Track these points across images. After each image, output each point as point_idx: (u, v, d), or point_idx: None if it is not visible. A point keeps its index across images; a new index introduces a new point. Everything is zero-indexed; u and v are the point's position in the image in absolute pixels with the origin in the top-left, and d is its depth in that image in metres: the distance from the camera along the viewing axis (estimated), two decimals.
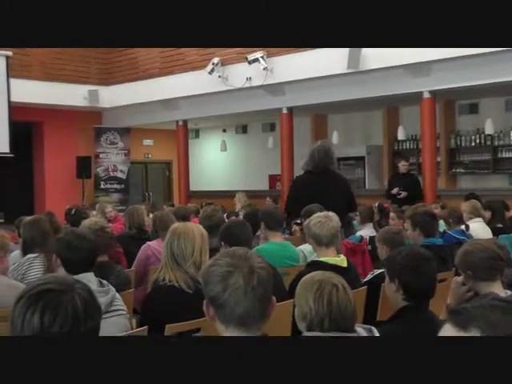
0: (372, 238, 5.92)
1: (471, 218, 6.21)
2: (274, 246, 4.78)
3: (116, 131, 14.02)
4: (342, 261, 3.88)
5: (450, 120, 12.19)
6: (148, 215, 6.78)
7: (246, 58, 10.55)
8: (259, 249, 4.69)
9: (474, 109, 12.00)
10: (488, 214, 6.65)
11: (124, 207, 11.63)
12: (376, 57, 9.21)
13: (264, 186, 14.56)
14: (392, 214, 6.66)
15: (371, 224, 6.70)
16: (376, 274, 4.02)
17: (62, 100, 12.76)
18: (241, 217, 6.55)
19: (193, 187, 13.69)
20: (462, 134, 12.11)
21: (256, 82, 10.74)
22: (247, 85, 10.87)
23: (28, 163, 13.91)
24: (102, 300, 2.74)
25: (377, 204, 7.89)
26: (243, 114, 12.39)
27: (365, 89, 10.08)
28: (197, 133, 16.58)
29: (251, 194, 11.35)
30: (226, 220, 5.62)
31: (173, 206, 9.78)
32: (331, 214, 4.05)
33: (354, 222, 7.02)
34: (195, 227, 3.53)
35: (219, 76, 11.12)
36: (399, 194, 9.30)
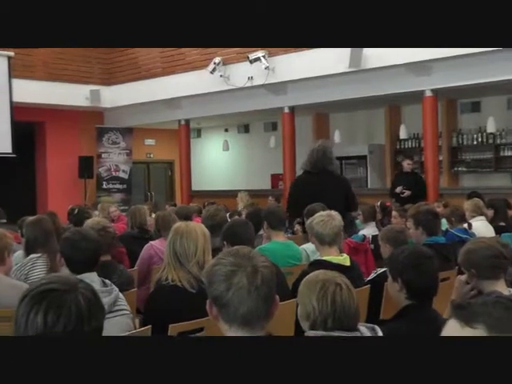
0: (375, 237, 5.92)
1: (474, 217, 6.19)
2: (276, 246, 4.77)
3: (118, 131, 14.03)
4: (344, 260, 3.87)
5: (452, 118, 12.18)
6: (150, 215, 6.78)
7: (248, 58, 10.55)
8: (262, 248, 4.69)
9: (475, 107, 11.99)
10: (490, 213, 6.64)
11: (126, 207, 11.64)
12: (378, 55, 9.20)
13: (266, 185, 14.56)
14: (394, 213, 6.65)
15: (374, 223, 6.69)
16: (379, 272, 4.02)
17: (63, 100, 12.77)
18: (243, 216, 6.55)
19: (195, 187, 13.69)
20: (463, 133, 12.10)
21: (258, 82, 10.74)
22: (249, 84, 10.87)
23: (30, 163, 13.92)
24: (106, 300, 2.74)
25: (379, 203, 7.88)
26: (245, 113, 12.39)
27: (366, 88, 10.08)
28: (199, 132, 16.59)
29: (253, 194, 11.35)
30: (229, 219, 5.62)
31: (175, 205, 9.78)
32: (334, 212, 4.04)
33: (357, 221, 7.01)
34: (197, 226, 3.52)
35: (221, 75, 11.13)
36: (403, 193, 9.23)
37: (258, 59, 10.47)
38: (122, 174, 14.08)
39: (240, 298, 1.73)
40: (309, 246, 4.90)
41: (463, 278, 2.94)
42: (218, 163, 16.39)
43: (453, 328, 1.22)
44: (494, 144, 11.72)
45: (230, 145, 15.88)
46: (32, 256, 4.20)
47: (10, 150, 11.72)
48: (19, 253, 4.56)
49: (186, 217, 5.98)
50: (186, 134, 13.42)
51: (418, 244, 4.18)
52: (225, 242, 3.94)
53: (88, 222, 4.39)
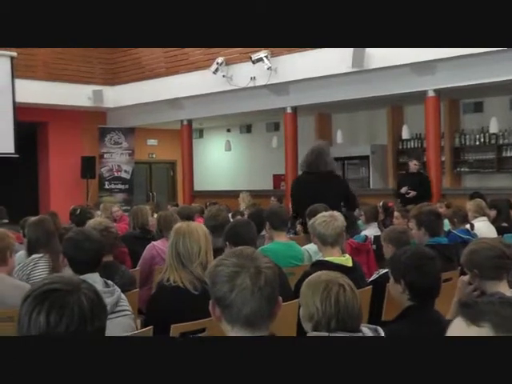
0: (377, 238, 5.91)
1: (476, 217, 6.19)
2: (278, 246, 4.77)
3: (120, 131, 14.04)
4: (347, 260, 3.87)
5: (455, 119, 12.17)
6: (152, 215, 6.78)
7: (250, 58, 10.56)
8: (264, 248, 4.68)
9: (478, 107, 11.98)
10: (493, 213, 6.64)
11: (128, 207, 11.65)
12: (380, 56, 9.20)
13: (268, 185, 14.56)
14: (396, 214, 6.64)
15: (376, 223, 6.69)
16: (381, 273, 4.01)
17: (66, 100, 12.79)
18: (246, 216, 6.55)
19: (197, 187, 13.70)
20: (466, 133, 12.09)
21: (260, 82, 10.75)
22: (251, 84, 10.87)
23: (33, 163, 13.94)
24: (108, 300, 2.74)
25: (381, 203, 7.87)
26: (247, 113, 12.40)
27: (369, 88, 10.08)
28: (201, 132, 16.60)
29: (255, 194, 11.35)
30: (231, 219, 5.62)
31: (177, 205, 9.79)
32: (336, 213, 4.04)
33: (359, 222, 7.01)
34: (198, 227, 3.51)
35: (223, 76, 11.13)
36: (408, 194, 9.16)
37: (260, 59, 10.48)
38: (124, 174, 14.09)
39: (243, 298, 1.73)
40: (311, 247, 4.90)
41: (466, 278, 2.94)
42: (220, 163, 16.39)
43: (459, 326, 1.22)
44: (497, 144, 11.71)
45: (232, 145, 15.88)
46: (34, 256, 4.20)
47: (12, 151, 11.75)
48: (21, 253, 4.56)
49: (188, 217, 5.97)
50: (188, 134, 13.42)
51: (420, 245, 4.17)
52: (227, 243, 3.93)
53: (90, 223, 4.39)
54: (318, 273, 2.26)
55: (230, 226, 4.12)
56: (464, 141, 12.09)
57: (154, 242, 5.20)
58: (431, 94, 9.60)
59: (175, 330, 2.89)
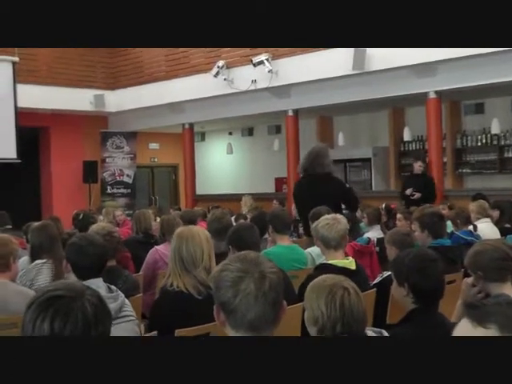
0: (380, 240, 5.91)
1: (479, 219, 6.18)
2: (281, 249, 4.76)
3: (122, 135, 14.05)
4: (350, 263, 3.86)
5: (456, 120, 12.16)
6: (155, 220, 6.78)
7: (251, 61, 10.56)
8: (267, 252, 4.68)
9: (479, 109, 11.97)
10: (496, 214, 6.63)
11: (131, 211, 11.65)
12: (381, 58, 9.20)
13: (270, 188, 14.56)
14: (399, 216, 6.62)
15: (379, 226, 6.68)
16: (385, 276, 4.01)
17: (68, 105, 12.80)
18: (249, 220, 6.55)
19: (199, 191, 13.69)
20: (468, 134, 12.08)
21: (261, 85, 10.75)
22: (252, 87, 10.88)
23: (35, 168, 13.95)
24: (112, 306, 2.73)
25: (384, 205, 7.86)
26: (249, 116, 12.40)
27: (370, 90, 10.07)
28: (203, 136, 16.60)
29: (257, 197, 11.34)
30: (235, 222, 5.62)
31: (179, 209, 9.78)
32: (339, 216, 4.04)
33: (362, 224, 7.00)
34: (200, 230, 3.49)
35: (224, 79, 11.14)
36: (413, 195, 9.08)
37: (261, 62, 10.48)
38: (126, 179, 14.10)
39: (247, 304, 1.72)
40: (314, 250, 4.90)
41: (470, 280, 2.93)
42: (222, 167, 16.39)
43: (465, 328, 1.22)
44: (499, 145, 11.70)
45: (233, 148, 15.88)
46: (37, 262, 4.20)
47: (14, 156, 11.75)
48: (24, 259, 4.56)
49: (191, 221, 5.97)
50: (190, 137, 13.42)
51: (423, 247, 4.17)
52: (230, 246, 3.93)
53: (93, 227, 4.39)
54: (323, 276, 2.26)
55: (233, 229, 4.12)
56: (466, 142, 12.08)
57: (156, 247, 5.20)
58: (432, 95, 9.59)
59: (179, 334, 2.89)
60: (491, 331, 1.17)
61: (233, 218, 6.86)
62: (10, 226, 6.61)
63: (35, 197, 13.92)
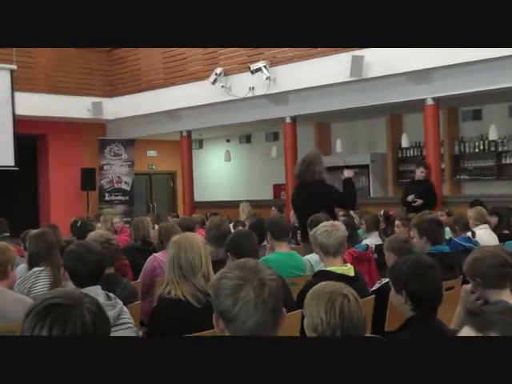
0: (378, 247, 5.91)
1: (477, 225, 6.19)
2: (280, 256, 4.76)
3: (120, 143, 14.05)
4: (349, 270, 3.86)
5: (454, 126, 12.19)
6: (153, 227, 6.76)
7: (249, 68, 10.58)
8: (265, 259, 4.68)
9: (477, 115, 11.99)
10: (494, 220, 6.64)
11: (129, 219, 11.64)
12: (378, 64, 9.22)
13: (268, 195, 14.56)
14: (397, 222, 6.62)
15: (377, 232, 6.68)
16: (383, 282, 4.00)
17: (66, 112, 12.81)
18: (247, 226, 6.55)
19: (197, 198, 13.69)
20: (465, 141, 12.10)
21: (259, 92, 10.76)
22: (250, 94, 10.89)
23: (33, 176, 13.94)
24: (110, 313, 2.73)
25: (382, 212, 7.85)
26: (247, 123, 12.41)
27: (368, 97, 10.09)
28: (200, 143, 16.61)
29: (256, 204, 11.34)
30: (233, 229, 5.61)
31: (177, 217, 9.77)
32: (338, 223, 4.04)
33: (360, 231, 7.00)
34: (196, 237, 3.47)
35: (222, 86, 11.15)
36: (415, 202, 9.02)
37: (259, 69, 10.50)
38: (124, 186, 14.10)
39: (247, 311, 1.72)
40: (312, 257, 4.89)
41: (468, 287, 2.93)
42: (220, 174, 16.40)
43: (467, 335, 1.22)
44: (496, 152, 11.71)
45: (231, 155, 15.89)
46: (35, 269, 4.19)
47: (12, 163, 11.75)
48: (22, 266, 4.56)
49: (189, 228, 5.96)
50: (187, 145, 13.42)
51: (420, 254, 4.17)
52: (229, 254, 3.92)
53: (91, 235, 4.38)
54: (323, 283, 2.25)
55: (232, 236, 4.11)
56: (463, 148, 12.10)
57: (155, 254, 5.19)
58: (430, 102, 9.61)
59: None
60: None
61: (231, 225, 6.86)
62: (8, 234, 6.59)
63: (33, 204, 13.90)
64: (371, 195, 12.77)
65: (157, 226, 6.43)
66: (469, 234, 5.89)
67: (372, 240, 6.35)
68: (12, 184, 12.96)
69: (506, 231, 6.46)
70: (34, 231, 4.75)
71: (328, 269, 3.85)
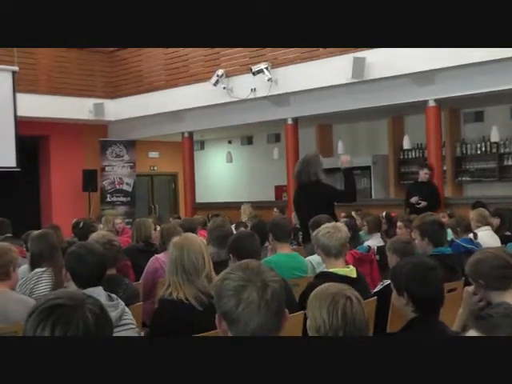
0: (380, 248, 5.91)
1: (479, 227, 6.17)
2: (281, 258, 4.76)
3: (122, 144, 14.06)
4: (351, 271, 3.86)
5: (456, 128, 12.18)
6: (155, 229, 6.76)
7: (251, 69, 10.58)
8: (267, 260, 4.67)
9: (479, 117, 11.99)
10: (496, 222, 6.63)
11: (130, 220, 11.63)
12: (380, 66, 9.23)
13: (270, 196, 14.56)
14: (399, 224, 6.61)
15: (379, 234, 6.67)
16: (386, 284, 4.00)
17: (67, 114, 12.82)
18: (249, 228, 6.55)
19: (199, 199, 13.69)
20: (467, 142, 12.09)
21: (261, 93, 10.77)
22: (252, 96, 10.89)
23: (34, 177, 13.94)
24: (112, 314, 2.73)
25: (384, 213, 7.85)
26: (248, 125, 12.41)
27: (369, 98, 10.08)
28: (202, 144, 16.62)
29: (257, 205, 11.34)
30: (235, 231, 5.61)
31: (179, 218, 9.77)
32: (340, 224, 4.04)
33: (362, 232, 7.00)
34: (197, 238, 3.45)
35: (224, 87, 11.15)
36: (418, 204, 8.88)
37: (260, 71, 10.50)
38: (125, 187, 14.09)
39: (250, 313, 1.72)
40: (314, 258, 4.89)
41: (471, 289, 2.92)
42: (222, 175, 16.40)
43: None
44: (498, 153, 11.71)
45: (233, 157, 15.89)
46: (37, 270, 4.19)
47: (14, 164, 11.76)
48: (24, 267, 4.55)
49: (191, 229, 5.95)
50: (189, 146, 13.43)
51: (422, 255, 4.16)
52: (231, 255, 3.91)
53: (93, 236, 4.38)
54: (326, 285, 2.25)
55: (234, 238, 4.10)
56: (465, 150, 12.10)
57: (157, 255, 5.19)
58: (432, 103, 9.60)
59: None
60: None
61: (233, 227, 6.86)
62: (11, 235, 6.59)
63: (35, 205, 13.91)
64: (373, 197, 12.76)
65: (158, 228, 6.42)
66: (471, 235, 5.89)
67: (374, 241, 6.35)
68: (14, 185, 12.97)
69: (508, 233, 6.45)
70: (35, 232, 4.76)
71: (330, 270, 3.85)
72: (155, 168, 15.89)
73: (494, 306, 2.73)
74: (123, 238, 7.77)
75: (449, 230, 5.91)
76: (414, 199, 8.98)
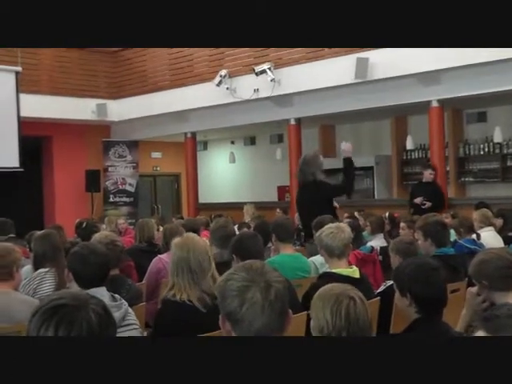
0: (383, 249, 5.90)
1: (482, 227, 6.17)
2: (285, 258, 4.75)
3: (124, 144, 14.07)
4: (354, 272, 3.86)
5: (459, 129, 12.17)
6: (158, 229, 6.76)
7: (254, 70, 10.58)
8: (270, 261, 4.67)
9: (482, 117, 11.97)
10: (499, 222, 6.62)
11: (133, 220, 11.65)
12: (383, 66, 9.22)
13: (273, 197, 14.56)
14: (402, 224, 6.60)
15: (382, 234, 6.67)
16: (389, 284, 3.99)
17: (70, 114, 12.84)
18: (252, 228, 6.55)
19: (201, 199, 13.69)
20: (470, 143, 12.08)
21: (264, 94, 10.77)
22: (255, 96, 10.89)
23: (37, 177, 13.97)
24: (115, 315, 2.73)
25: (387, 214, 7.84)
26: (251, 125, 12.41)
27: (372, 98, 10.08)
28: (205, 145, 16.63)
29: (260, 206, 11.33)
30: (238, 231, 5.61)
31: (182, 218, 9.76)
32: (343, 224, 4.04)
33: (365, 233, 6.99)
34: (199, 238, 3.45)
35: (227, 88, 11.16)
36: (424, 204, 8.80)
37: (263, 71, 10.50)
38: (128, 187, 14.10)
39: (254, 313, 1.71)
40: (317, 258, 4.89)
41: (474, 289, 2.92)
42: (225, 176, 16.40)
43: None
44: (501, 154, 11.69)
45: (236, 157, 15.90)
46: (40, 271, 4.20)
47: (17, 165, 11.77)
48: (27, 267, 4.56)
49: (193, 230, 5.95)
50: (192, 146, 13.44)
51: (424, 256, 4.15)
52: (234, 255, 3.91)
53: (96, 236, 4.39)
54: (330, 285, 2.25)
55: (237, 238, 4.10)
56: (468, 151, 12.08)
57: (160, 255, 5.19)
58: (435, 104, 9.59)
59: None
60: None
61: (236, 227, 6.86)
62: (14, 235, 6.60)
63: (38, 206, 13.93)
64: (376, 197, 12.76)
65: (161, 228, 6.42)
66: (474, 236, 5.88)
67: (377, 242, 6.35)
68: (17, 185, 12.99)
69: (511, 233, 6.44)
70: (39, 232, 4.76)
71: (333, 271, 3.85)
72: (158, 168, 15.90)
73: (497, 306, 2.73)
74: (126, 238, 7.78)
75: (452, 231, 5.90)
76: (418, 200, 8.92)
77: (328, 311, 2.11)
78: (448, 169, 11.31)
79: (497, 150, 11.72)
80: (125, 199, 13.99)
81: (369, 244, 6.21)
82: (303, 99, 10.89)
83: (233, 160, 15.90)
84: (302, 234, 7.03)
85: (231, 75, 11.24)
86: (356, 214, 8.64)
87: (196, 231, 5.86)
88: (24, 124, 11.76)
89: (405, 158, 12.90)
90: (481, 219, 6.25)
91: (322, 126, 13.46)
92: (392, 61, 8.95)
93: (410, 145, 12.39)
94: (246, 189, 15.31)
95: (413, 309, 2.69)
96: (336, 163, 10.40)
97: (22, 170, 11.82)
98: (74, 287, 3.20)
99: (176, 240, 3.35)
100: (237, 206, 11.58)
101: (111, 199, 13.87)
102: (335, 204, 6.99)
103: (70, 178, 13.55)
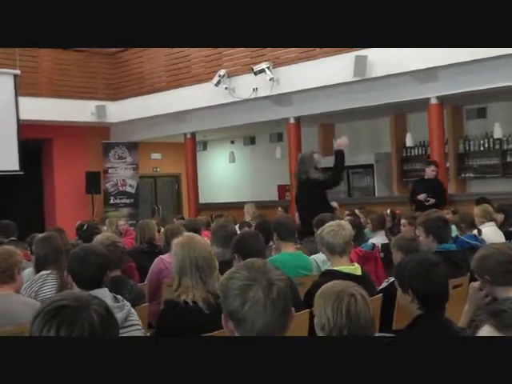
0: (384, 246, 5.90)
1: (483, 223, 6.17)
2: (286, 256, 4.75)
3: (124, 146, 14.07)
4: (356, 269, 3.86)
5: (458, 125, 12.16)
6: (158, 230, 6.75)
7: (252, 69, 10.58)
8: (272, 259, 4.67)
9: (481, 113, 11.97)
10: (500, 218, 6.62)
11: (134, 221, 11.64)
12: (382, 64, 9.21)
13: (273, 196, 14.56)
14: (403, 221, 6.58)
15: (383, 231, 6.67)
16: (391, 281, 3.99)
17: (70, 116, 12.84)
18: (253, 227, 6.55)
19: (202, 199, 13.69)
20: (470, 139, 12.08)
21: (263, 93, 10.76)
22: (254, 96, 10.89)
23: (38, 180, 13.97)
24: (118, 316, 2.73)
25: (389, 211, 7.84)
26: (251, 125, 12.41)
27: (371, 96, 10.08)
28: (205, 145, 16.63)
29: (260, 205, 11.34)
30: (239, 230, 5.61)
31: (183, 219, 9.76)
32: (344, 222, 4.04)
33: (366, 230, 6.99)
34: (200, 237, 3.45)
35: (226, 88, 11.16)
36: (427, 201, 8.69)
37: (262, 71, 10.50)
38: (128, 189, 14.11)
39: (256, 312, 1.71)
40: (319, 256, 4.89)
41: (476, 284, 2.92)
42: (225, 175, 16.40)
43: (487, 335, 1.21)
44: (501, 149, 11.69)
45: (236, 157, 15.90)
46: (42, 273, 4.20)
47: (17, 168, 11.77)
48: (29, 270, 4.56)
49: (194, 230, 5.94)
50: (192, 147, 13.44)
51: (425, 252, 4.15)
52: (235, 255, 3.91)
53: (97, 238, 4.39)
54: (331, 283, 2.25)
55: (238, 237, 4.10)
56: (468, 147, 12.08)
57: (161, 256, 5.19)
58: (434, 101, 9.58)
59: None
60: None
61: (237, 227, 6.86)
62: (15, 238, 6.60)
63: (38, 208, 13.94)
64: (376, 195, 12.75)
65: (162, 229, 6.42)
66: (475, 231, 5.87)
67: (378, 239, 6.35)
68: (17, 188, 12.99)
69: None
70: (40, 235, 4.76)
71: (335, 268, 3.85)
72: (158, 169, 15.91)
73: (500, 301, 2.73)
74: (126, 239, 7.77)
75: (453, 227, 5.90)
76: (422, 196, 8.84)
77: (329, 308, 2.11)
78: (448, 165, 11.31)
79: (497, 146, 11.71)
80: (125, 201, 14.00)
81: (370, 241, 6.22)
82: (302, 98, 10.88)
83: (233, 160, 15.90)
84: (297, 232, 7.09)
85: (230, 75, 11.24)
86: (357, 211, 8.63)
87: (197, 231, 5.85)
88: (24, 127, 11.76)
89: (404, 155, 12.90)
90: (482, 214, 6.25)
91: (321, 124, 13.46)
92: (390, 59, 8.94)
93: (409, 142, 12.40)
94: (247, 188, 15.31)
95: (415, 305, 2.69)
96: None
97: (21, 173, 11.83)
98: (76, 289, 3.20)
99: (177, 240, 3.33)
100: (237, 206, 11.58)
101: (112, 201, 13.87)
102: (334, 204, 7.02)
103: (71, 180, 13.55)
